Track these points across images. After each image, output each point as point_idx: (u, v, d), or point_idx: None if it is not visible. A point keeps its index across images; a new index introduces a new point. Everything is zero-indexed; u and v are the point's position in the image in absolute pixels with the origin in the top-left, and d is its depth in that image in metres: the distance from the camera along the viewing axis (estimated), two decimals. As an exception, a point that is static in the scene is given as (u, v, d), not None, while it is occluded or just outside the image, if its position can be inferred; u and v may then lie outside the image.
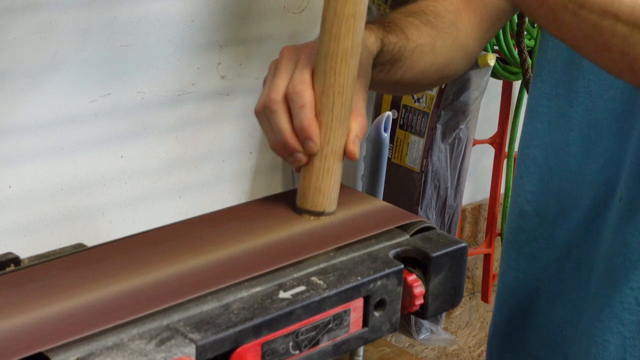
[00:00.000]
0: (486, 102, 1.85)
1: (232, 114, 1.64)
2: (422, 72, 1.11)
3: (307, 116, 0.93)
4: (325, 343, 0.85)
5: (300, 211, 0.97)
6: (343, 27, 0.92)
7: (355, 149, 0.96)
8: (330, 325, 0.85)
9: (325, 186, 0.97)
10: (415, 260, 0.92)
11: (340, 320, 0.85)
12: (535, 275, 1.18)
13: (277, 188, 1.72)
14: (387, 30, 1.05)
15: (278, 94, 0.94)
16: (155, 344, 0.76)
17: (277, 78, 0.95)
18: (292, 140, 0.94)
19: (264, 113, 0.96)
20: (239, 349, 0.79)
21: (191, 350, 0.76)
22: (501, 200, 2.05)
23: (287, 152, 0.95)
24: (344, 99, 0.94)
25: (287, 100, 0.94)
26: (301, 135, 0.94)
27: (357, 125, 0.96)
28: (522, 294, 1.20)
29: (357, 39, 0.93)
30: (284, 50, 0.97)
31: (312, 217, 0.97)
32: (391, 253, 0.92)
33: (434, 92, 1.76)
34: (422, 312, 0.93)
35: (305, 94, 0.93)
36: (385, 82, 1.09)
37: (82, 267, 0.88)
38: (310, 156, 0.95)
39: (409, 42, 1.06)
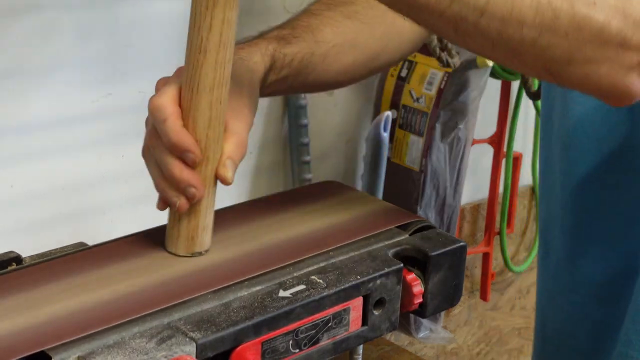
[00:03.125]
0: (485, 102, 1.85)
1: (232, 113, 1.64)
2: (343, 70, 1.06)
3: (174, 127, 0.85)
4: (325, 342, 0.85)
5: (178, 255, 0.89)
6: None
7: (227, 173, 0.88)
8: (330, 324, 0.85)
9: (210, 222, 0.90)
10: (414, 259, 0.93)
11: (339, 319, 0.86)
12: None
13: (277, 188, 1.72)
14: (283, 43, 0.99)
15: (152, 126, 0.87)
16: (155, 343, 0.76)
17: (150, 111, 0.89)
18: (178, 171, 0.86)
19: (147, 152, 0.89)
20: (239, 348, 0.79)
21: (191, 348, 0.76)
22: (500, 200, 2.06)
23: (180, 185, 0.86)
24: (213, 99, 0.85)
25: (152, 121, 0.87)
26: (176, 150, 0.85)
27: (231, 146, 0.88)
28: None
29: (227, 32, 0.86)
30: (157, 82, 0.91)
31: (192, 258, 0.89)
32: (390, 252, 0.92)
33: (432, 92, 1.77)
34: (421, 311, 0.94)
35: (167, 107, 0.86)
36: (296, 88, 1.04)
37: (83, 266, 0.88)
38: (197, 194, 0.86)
39: (319, 46, 1.01)
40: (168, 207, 0.89)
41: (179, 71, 0.89)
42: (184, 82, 0.86)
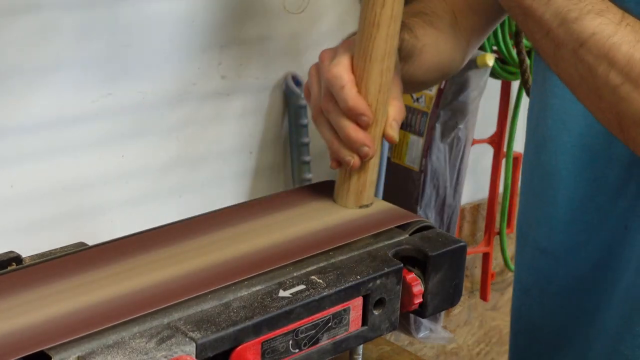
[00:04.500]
0: (485, 101, 1.85)
1: (232, 114, 1.64)
2: (428, 70, 1.11)
3: (350, 93, 0.94)
4: (324, 342, 0.85)
5: (348, 208, 1.00)
6: None
7: (394, 133, 0.98)
8: (330, 324, 0.85)
9: (375, 177, 1.00)
10: (414, 259, 0.93)
11: (339, 319, 0.86)
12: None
13: (277, 188, 1.72)
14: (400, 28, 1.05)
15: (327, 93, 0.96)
16: (155, 343, 0.76)
17: (320, 78, 0.97)
18: (354, 132, 0.95)
19: (320, 117, 0.98)
20: (239, 348, 0.79)
21: (191, 348, 0.76)
22: (500, 200, 2.06)
23: (355, 145, 0.95)
24: (384, 68, 0.95)
25: (329, 88, 0.95)
26: (352, 114, 0.94)
27: (394, 109, 0.97)
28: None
29: (398, 7, 0.95)
30: (322, 52, 0.99)
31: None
32: (390, 252, 0.92)
33: (432, 91, 1.77)
34: (421, 311, 0.94)
35: (344, 75, 0.94)
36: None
37: (83, 266, 0.88)
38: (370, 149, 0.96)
39: (418, 41, 1.07)
40: (340, 165, 0.99)
41: (346, 43, 0.98)
42: (358, 52, 0.95)
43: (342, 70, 0.95)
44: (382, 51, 0.95)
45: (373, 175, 1.00)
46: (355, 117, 0.95)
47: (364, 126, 0.95)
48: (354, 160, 0.97)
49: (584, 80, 0.89)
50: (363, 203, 1.00)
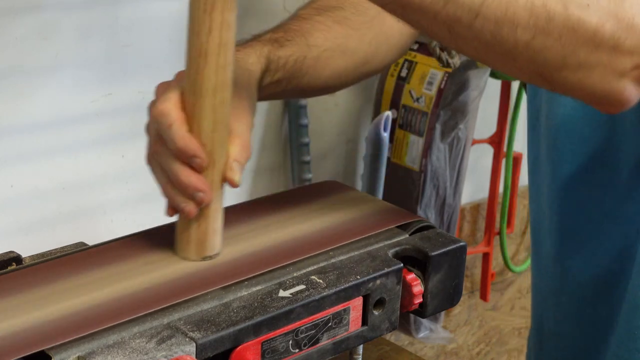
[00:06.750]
0: (485, 102, 1.85)
1: (232, 113, 1.64)
2: (334, 75, 1.05)
3: (179, 133, 0.84)
4: (324, 342, 0.85)
5: (190, 260, 0.89)
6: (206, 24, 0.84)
7: (235, 176, 0.86)
8: (330, 324, 0.85)
9: (219, 225, 0.89)
10: (414, 259, 0.93)
11: (339, 319, 0.86)
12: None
13: (277, 188, 1.72)
14: (277, 45, 0.98)
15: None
16: (155, 343, 0.76)
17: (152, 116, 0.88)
18: (186, 176, 0.85)
19: (152, 159, 0.89)
20: (239, 348, 0.79)
21: (191, 348, 0.76)
22: (500, 200, 2.06)
23: (188, 191, 0.85)
24: (216, 102, 0.84)
25: (157, 128, 0.86)
26: (182, 156, 0.84)
27: (236, 148, 0.87)
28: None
29: (227, 34, 0.85)
30: (157, 86, 0.90)
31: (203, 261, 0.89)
32: (390, 252, 0.92)
33: (433, 92, 1.77)
34: (421, 311, 0.94)
35: (171, 113, 0.84)
36: (289, 92, 1.02)
37: (83, 266, 0.88)
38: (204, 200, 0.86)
39: (311, 50, 1.01)
40: (177, 212, 0.89)
41: (180, 75, 0.88)
42: (186, 86, 0.85)
43: (169, 106, 0.84)
44: (213, 84, 0.84)
45: (216, 222, 0.88)
46: (186, 160, 0.84)
47: (197, 169, 0.85)
48: (189, 207, 0.86)
49: (491, 48, 0.83)
50: (206, 254, 0.88)
